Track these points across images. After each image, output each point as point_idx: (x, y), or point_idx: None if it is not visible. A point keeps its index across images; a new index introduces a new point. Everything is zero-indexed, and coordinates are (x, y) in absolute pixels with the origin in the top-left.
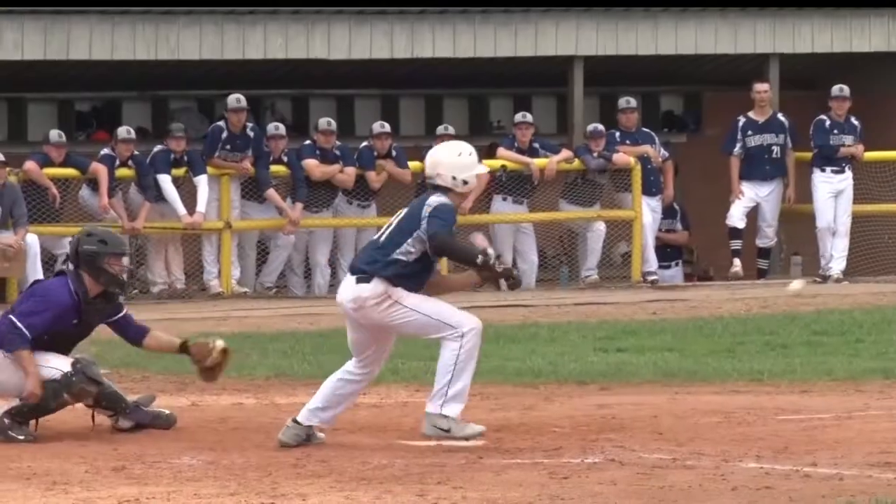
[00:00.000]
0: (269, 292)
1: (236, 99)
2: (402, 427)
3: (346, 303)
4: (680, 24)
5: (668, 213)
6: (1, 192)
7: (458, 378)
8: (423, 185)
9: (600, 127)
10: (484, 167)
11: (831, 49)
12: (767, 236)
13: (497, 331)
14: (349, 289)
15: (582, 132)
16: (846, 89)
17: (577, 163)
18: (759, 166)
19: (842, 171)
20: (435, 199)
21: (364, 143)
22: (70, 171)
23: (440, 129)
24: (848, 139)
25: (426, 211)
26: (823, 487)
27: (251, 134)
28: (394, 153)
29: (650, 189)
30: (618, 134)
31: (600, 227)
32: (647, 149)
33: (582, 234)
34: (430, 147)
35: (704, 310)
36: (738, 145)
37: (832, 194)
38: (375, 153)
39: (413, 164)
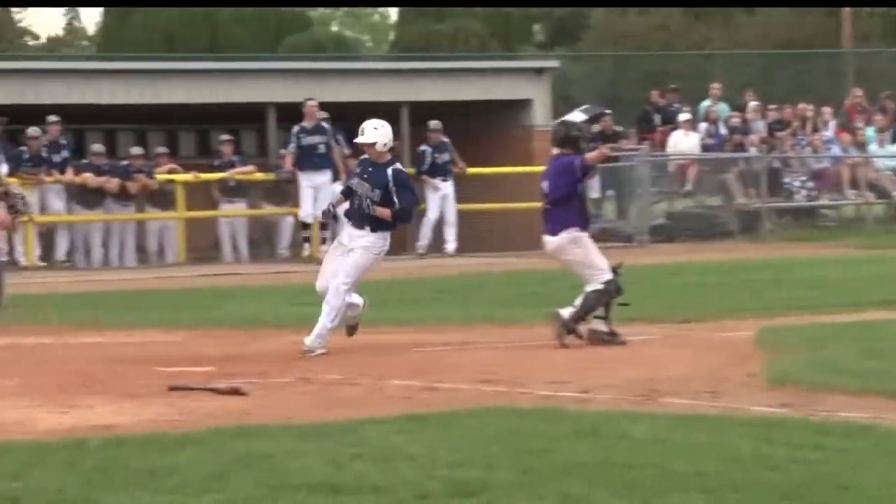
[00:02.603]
0: (62, 265)
1: (34, 131)
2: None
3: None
4: None
5: None
6: None
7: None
8: None
9: None
10: None
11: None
12: None
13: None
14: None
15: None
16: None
17: None
18: None
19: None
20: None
21: (125, 162)
22: None
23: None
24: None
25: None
26: (446, 396)
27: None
28: (145, 169)
29: None
30: None
31: None
32: None
33: None
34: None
35: None
36: None
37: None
38: (133, 169)
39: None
